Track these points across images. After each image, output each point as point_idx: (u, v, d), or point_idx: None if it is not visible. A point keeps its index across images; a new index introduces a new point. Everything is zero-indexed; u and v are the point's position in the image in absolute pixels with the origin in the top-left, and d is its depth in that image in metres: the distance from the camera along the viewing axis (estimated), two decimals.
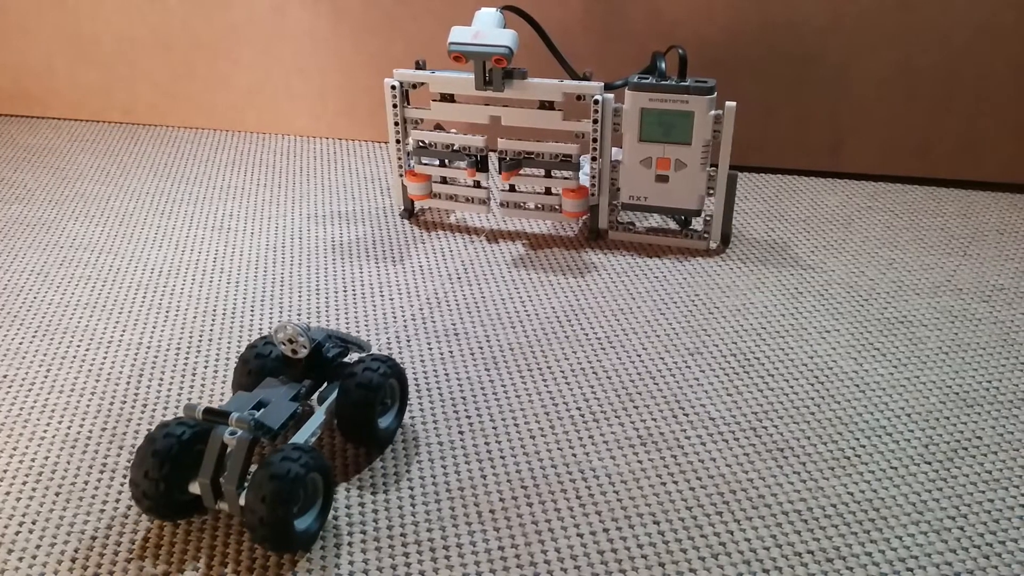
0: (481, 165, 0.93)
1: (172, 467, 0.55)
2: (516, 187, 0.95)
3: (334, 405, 0.62)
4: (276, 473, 0.53)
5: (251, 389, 0.62)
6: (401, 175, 0.97)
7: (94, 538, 0.57)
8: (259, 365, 0.63)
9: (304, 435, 0.60)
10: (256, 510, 0.53)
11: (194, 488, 0.56)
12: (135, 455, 0.56)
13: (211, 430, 0.56)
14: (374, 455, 0.64)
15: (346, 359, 0.67)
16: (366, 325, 0.80)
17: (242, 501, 0.55)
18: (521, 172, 0.93)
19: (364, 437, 0.62)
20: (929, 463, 0.63)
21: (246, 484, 0.55)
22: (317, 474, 0.56)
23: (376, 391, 0.61)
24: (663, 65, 0.88)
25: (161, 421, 0.64)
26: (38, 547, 0.57)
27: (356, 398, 0.61)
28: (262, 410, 0.58)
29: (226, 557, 0.56)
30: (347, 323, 0.80)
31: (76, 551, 0.57)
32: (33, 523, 0.59)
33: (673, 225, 0.96)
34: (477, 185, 0.95)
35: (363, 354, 0.66)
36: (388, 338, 0.77)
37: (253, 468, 0.59)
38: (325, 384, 0.64)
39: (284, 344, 0.62)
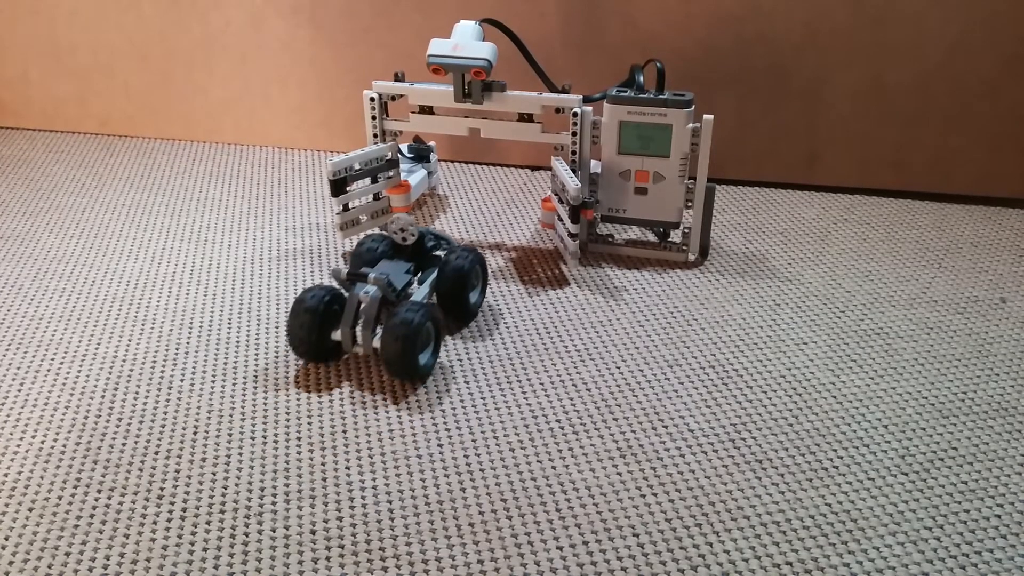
0: None
1: (320, 319, 0.72)
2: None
3: (435, 284, 0.79)
4: (404, 320, 0.70)
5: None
6: None
7: (68, 554, 0.57)
8: (370, 258, 0.80)
9: (419, 296, 0.77)
10: (390, 349, 0.70)
11: (335, 336, 0.73)
12: (290, 314, 0.73)
13: (342, 294, 0.74)
14: (465, 324, 0.81)
15: (438, 252, 0.83)
16: None
17: (375, 343, 0.72)
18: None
19: (459, 309, 0.80)
20: (906, 474, 0.63)
21: (378, 330, 0.73)
22: (431, 323, 0.73)
23: (467, 274, 0.79)
24: (641, 78, 0.88)
25: (304, 288, 0.78)
26: (11, 563, 0.56)
27: (453, 279, 0.79)
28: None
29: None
30: None
31: (50, 567, 0.56)
32: (6, 539, 0.58)
33: (652, 237, 0.97)
34: None
35: (451, 247, 0.82)
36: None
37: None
38: (421, 271, 0.81)
39: (396, 233, 0.80)
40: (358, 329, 0.73)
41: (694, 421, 0.69)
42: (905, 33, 1.02)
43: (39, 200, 1.08)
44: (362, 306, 0.73)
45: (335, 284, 0.75)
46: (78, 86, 1.28)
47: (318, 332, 0.73)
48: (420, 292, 0.78)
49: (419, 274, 0.81)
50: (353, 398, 0.71)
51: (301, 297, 0.73)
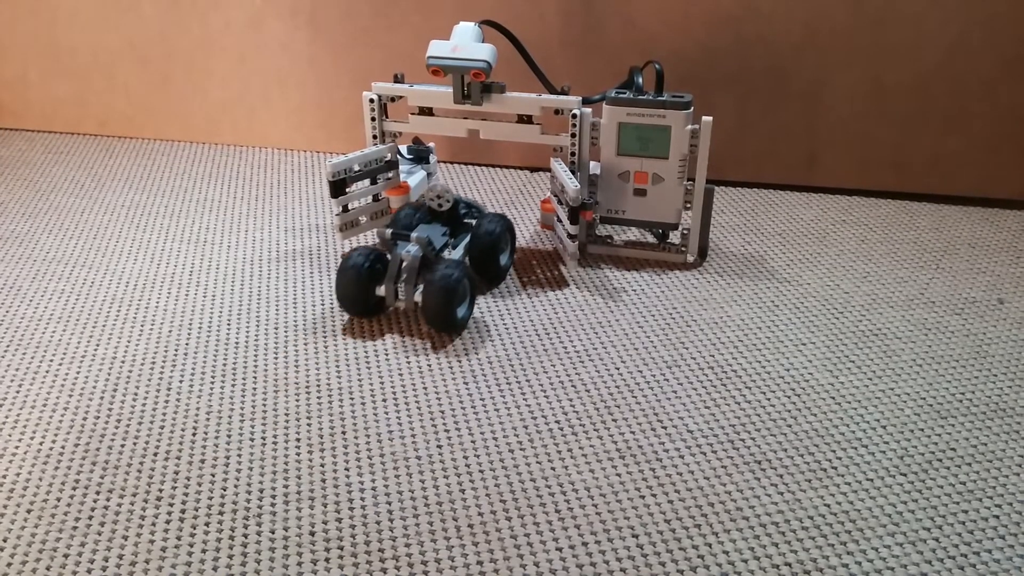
0: None
1: (365, 277, 0.79)
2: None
3: (468, 247, 0.86)
4: (445, 276, 0.77)
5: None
6: None
7: (67, 556, 0.57)
8: (407, 223, 0.87)
9: (455, 256, 0.84)
10: (431, 303, 0.77)
11: (379, 291, 0.80)
12: (338, 272, 0.80)
13: (384, 254, 0.81)
14: (495, 285, 0.88)
15: (469, 219, 0.90)
16: (343, 338, 0.79)
17: (416, 298, 0.79)
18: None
19: (491, 270, 0.87)
20: (904, 475, 0.63)
21: (418, 286, 0.79)
22: (467, 279, 0.79)
23: (499, 238, 0.86)
24: (640, 80, 0.88)
25: (350, 250, 0.83)
26: (9, 564, 0.56)
27: (486, 242, 0.85)
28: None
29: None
30: (324, 336, 0.80)
31: (48, 569, 0.56)
32: (4, 540, 0.58)
33: (651, 239, 0.97)
34: None
35: (482, 214, 0.90)
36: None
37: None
38: (454, 236, 0.88)
39: (433, 200, 0.87)
40: (400, 285, 0.79)
41: (693, 422, 0.69)
42: (904, 34, 1.02)
43: (38, 201, 1.08)
44: (404, 264, 0.80)
45: (377, 245, 0.83)
46: (77, 87, 1.28)
47: (363, 288, 0.79)
48: (456, 254, 0.84)
49: (452, 239, 0.87)
50: (352, 397, 0.71)
51: (348, 256, 0.80)
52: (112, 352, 0.78)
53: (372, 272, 0.80)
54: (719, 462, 0.65)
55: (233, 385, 0.73)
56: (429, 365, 0.76)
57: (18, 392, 0.73)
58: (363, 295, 0.80)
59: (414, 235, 0.80)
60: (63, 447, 0.66)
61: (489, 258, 0.86)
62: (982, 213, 1.05)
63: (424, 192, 0.87)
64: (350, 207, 0.92)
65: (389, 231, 0.81)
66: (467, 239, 0.86)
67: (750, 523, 0.59)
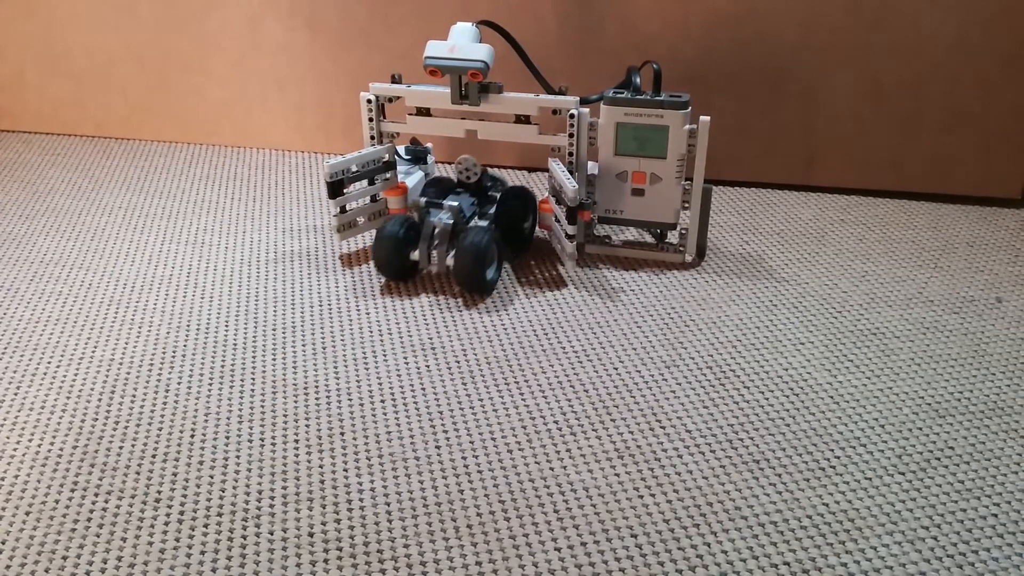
0: None
1: (400, 243, 0.85)
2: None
3: (495, 215, 0.91)
4: (475, 240, 0.83)
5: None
6: None
7: (65, 558, 0.57)
8: (436, 192, 0.92)
9: (484, 222, 0.89)
10: (463, 266, 0.83)
11: (413, 256, 0.86)
12: (375, 240, 0.86)
13: (416, 222, 0.88)
14: (521, 252, 0.95)
15: (493, 192, 0.95)
16: (342, 339, 0.79)
17: (449, 261, 0.87)
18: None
19: (516, 237, 0.93)
20: (903, 473, 0.64)
21: (449, 251, 0.86)
22: (495, 244, 0.86)
23: (524, 206, 0.93)
24: (638, 80, 0.88)
25: (385, 217, 0.91)
26: (7, 567, 0.56)
27: (512, 211, 0.92)
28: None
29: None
30: (323, 337, 0.80)
31: (47, 571, 0.56)
32: (2, 543, 0.58)
33: (649, 238, 0.97)
34: None
35: (506, 187, 0.94)
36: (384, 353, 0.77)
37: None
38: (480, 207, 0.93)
39: (462, 172, 0.92)
40: (433, 250, 0.86)
41: (692, 422, 0.69)
42: (902, 34, 1.02)
43: (35, 203, 1.08)
44: (436, 230, 0.86)
45: (411, 214, 0.89)
46: (75, 88, 1.28)
47: (399, 253, 0.85)
48: (483, 222, 0.89)
49: (479, 209, 0.92)
50: (351, 398, 0.71)
51: (384, 224, 0.86)
52: (110, 354, 0.78)
53: (407, 238, 0.86)
54: (717, 462, 0.65)
55: (231, 387, 0.73)
56: (427, 365, 0.76)
57: (16, 394, 0.73)
58: (399, 260, 0.86)
59: (447, 203, 0.87)
60: (61, 449, 0.66)
61: (516, 226, 0.92)
62: (980, 212, 1.05)
63: (455, 163, 0.93)
64: (348, 208, 0.92)
65: (423, 199, 0.88)
66: (493, 208, 0.92)
67: (749, 522, 0.59)
